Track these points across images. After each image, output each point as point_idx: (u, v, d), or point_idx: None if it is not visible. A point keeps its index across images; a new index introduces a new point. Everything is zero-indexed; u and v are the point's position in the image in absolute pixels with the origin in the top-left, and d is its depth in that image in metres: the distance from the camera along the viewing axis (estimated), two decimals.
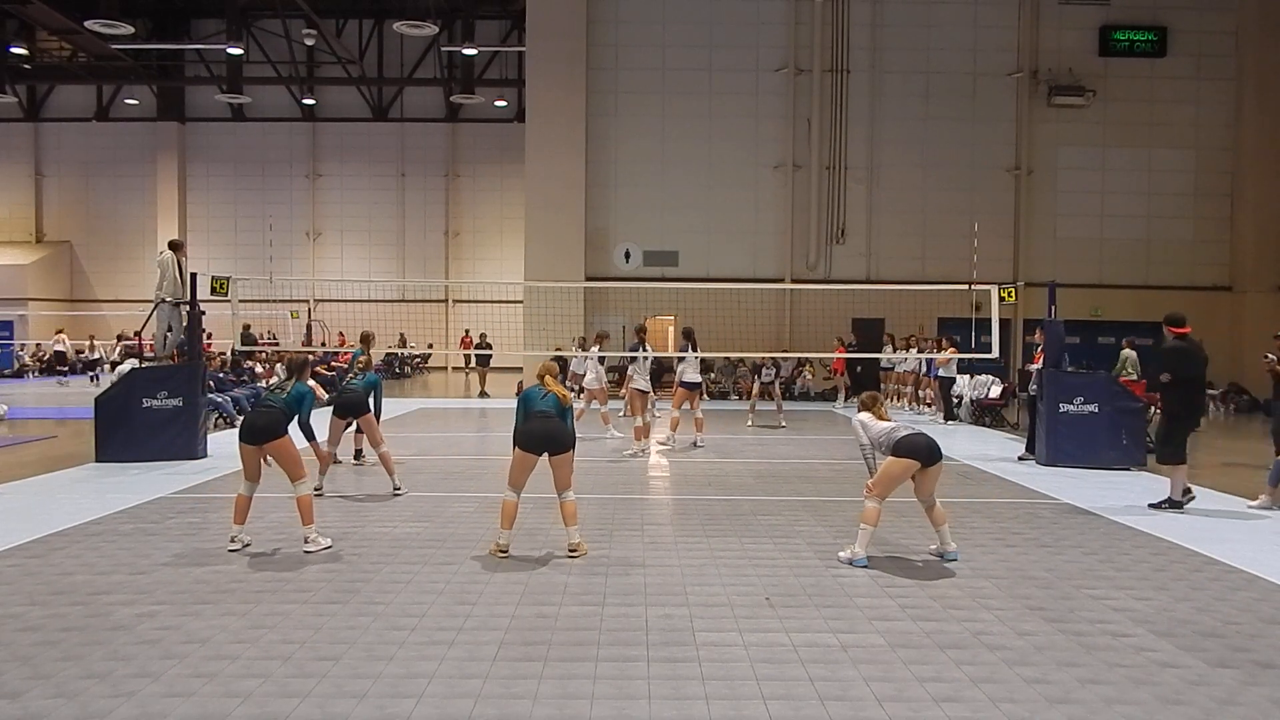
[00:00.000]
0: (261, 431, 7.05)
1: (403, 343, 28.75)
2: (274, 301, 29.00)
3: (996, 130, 24.06)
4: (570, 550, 6.91)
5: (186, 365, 12.29)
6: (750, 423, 16.70)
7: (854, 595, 6.04)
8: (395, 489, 9.49)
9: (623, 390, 13.23)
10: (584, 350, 14.80)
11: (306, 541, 7.07)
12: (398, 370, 30.73)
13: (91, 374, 27.98)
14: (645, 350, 13.00)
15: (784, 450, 13.36)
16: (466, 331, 30.73)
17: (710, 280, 22.78)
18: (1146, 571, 6.69)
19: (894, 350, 20.80)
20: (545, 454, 6.92)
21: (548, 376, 7.18)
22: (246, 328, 27.14)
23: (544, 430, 6.90)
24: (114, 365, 23.44)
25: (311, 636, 5.15)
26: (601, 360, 14.66)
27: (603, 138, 23.88)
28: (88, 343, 31.34)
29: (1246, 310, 23.17)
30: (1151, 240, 24.15)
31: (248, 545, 7.13)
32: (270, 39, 33.03)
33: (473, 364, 29.86)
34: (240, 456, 7.18)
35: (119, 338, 30.73)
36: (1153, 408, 14.29)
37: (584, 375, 14.98)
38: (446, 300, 34.81)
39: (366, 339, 11.21)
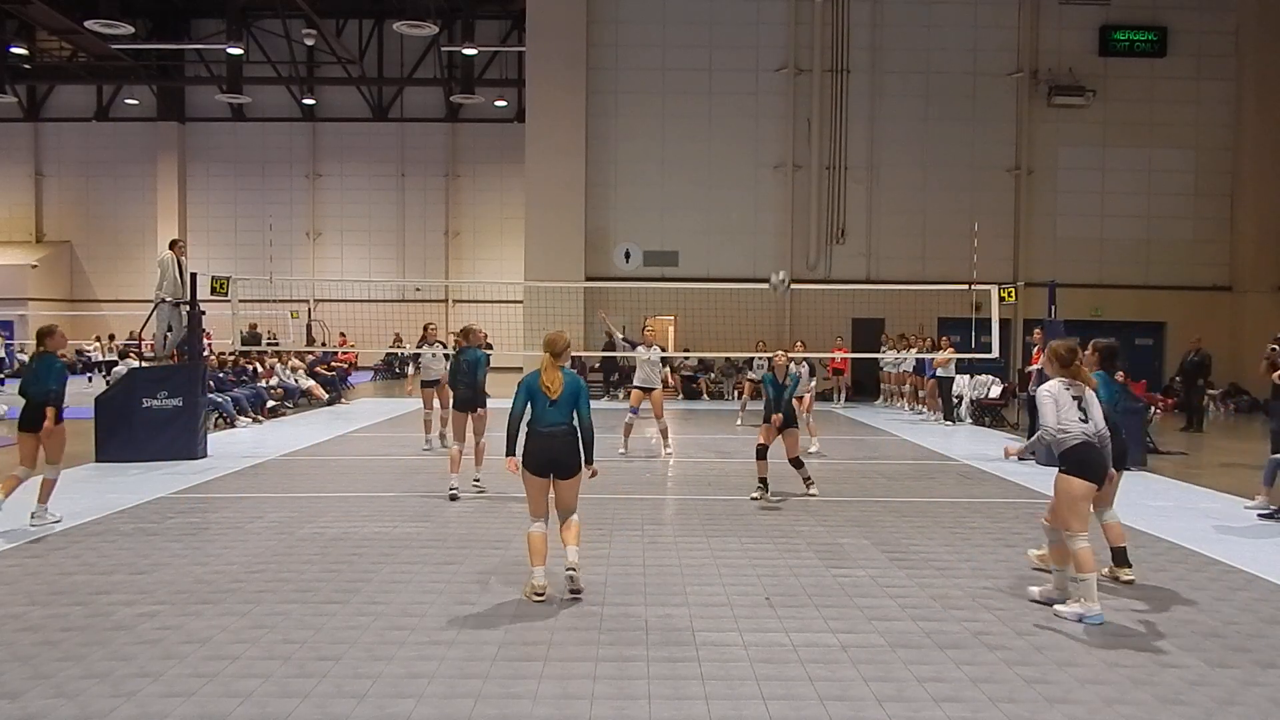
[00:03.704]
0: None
1: (398, 341, 28.68)
2: (274, 301, 28.98)
3: (996, 130, 24.05)
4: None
5: (186, 365, 12.30)
6: (740, 422, 16.57)
7: (854, 595, 6.04)
8: (475, 480, 9.57)
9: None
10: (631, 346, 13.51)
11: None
12: (397, 370, 30.73)
13: (89, 375, 27.97)
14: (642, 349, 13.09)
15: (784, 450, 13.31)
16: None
17: (710, 280, 22.78)
18: (1146, 571, 6.69)
19: (890, 350, 20.79)
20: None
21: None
22: (253, 327, 27.20)
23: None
24: (110, 366, 23.46)
25: (312, 636, 5.15)
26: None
27: (603, 138, 23.88)
28: (95, 344, 31.22)
29: (1246, 310, 23.17)
30: (1151, 240, 24.14)
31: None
32: (270, 39, 33.02)
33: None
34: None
35: (100, 339, 30.79)
36: (1153, 408, 14.34)
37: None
38: (446, 300, 34.80)
39: (465, 333, 10.10)
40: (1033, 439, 5.95)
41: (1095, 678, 4.67)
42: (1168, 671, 4.76)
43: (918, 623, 5.49)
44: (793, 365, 13.54)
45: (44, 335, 8.21)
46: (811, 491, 9.57)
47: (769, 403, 9.69)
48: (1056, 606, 5.66)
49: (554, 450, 5.88)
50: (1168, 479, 11.07)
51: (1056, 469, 5.74)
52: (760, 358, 16.65)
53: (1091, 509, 5.87)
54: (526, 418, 6.03)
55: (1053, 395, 5.73)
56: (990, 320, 14.47)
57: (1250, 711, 4.31)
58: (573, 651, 4.95)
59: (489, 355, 10.07)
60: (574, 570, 5.86)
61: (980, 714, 4.24)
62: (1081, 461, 5.61)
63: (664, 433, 12.74)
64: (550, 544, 5.96)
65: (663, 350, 13.50)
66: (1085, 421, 5.68)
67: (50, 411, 7.75)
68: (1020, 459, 6.05)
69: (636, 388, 13.06)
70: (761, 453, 9.48)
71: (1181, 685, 4.58)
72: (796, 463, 9.71)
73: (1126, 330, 24.09)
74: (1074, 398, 5.73)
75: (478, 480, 9.55)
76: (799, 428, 10.05)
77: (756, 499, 9.26)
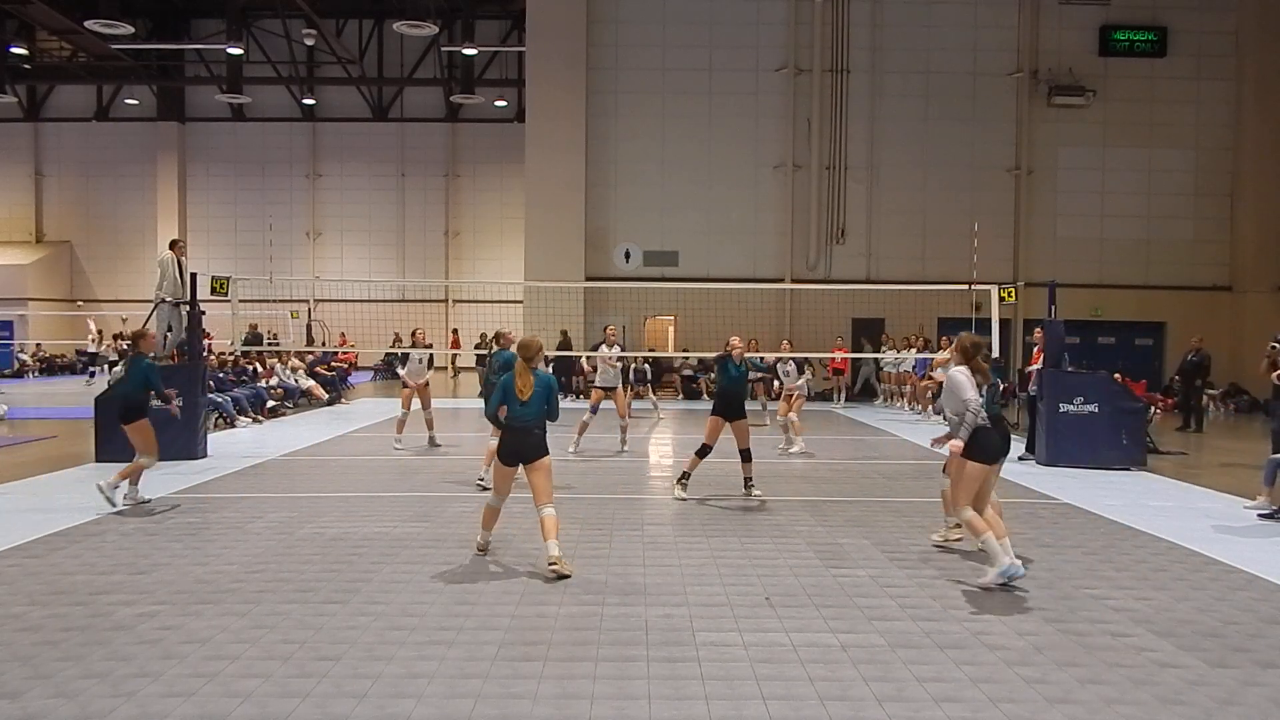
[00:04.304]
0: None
1: (397, 341, 28.71)
2: (274, 301, 29.00)
3: (996, 130, 24.05)
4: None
5: (186, 365, 12.29)
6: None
7: (854, 595, 6.04)
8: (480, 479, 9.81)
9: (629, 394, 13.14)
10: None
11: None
12: (397, 372, 30.71)
13: (91, 371, 27.95)
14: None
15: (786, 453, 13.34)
16: (455, 331, 30.71)
17: (710, 280, 22.78)
18: (1146, 571, 6.69)
19: (889, 351, 20.81)
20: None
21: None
22: (253, 327, 27.19)
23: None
24: (111, 365, 23.43)
25: (312, 636, 5.15)
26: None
27: (603, 138, 23.88)
28: (93, 335, 31.12)
29: (1246, 310, 23.17)
30: (1151, 240, 24.14)
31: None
32: (270, 39, 33.04)
33: (453, 365, 30.00)
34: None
35: (101, 330, 30.80)
36: (1153, 408, 14.34)
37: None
38: (446, 300, 34.82)
39: (498, 336, 10.27)
40: (958, 424, 6.25)
41: (1095, 678, 4.66)
42: (1168, 671, 4.76)
43: (918, 623, 5.49)
44: (779, 364, 13.78)
45: (137, 339, 9.03)
46: (754, 493, 9.43)
47: (720, 390, 9.52)
48: (980, 580, 6.11)
49: (521, 443, 6.58)
50: (1168, 479, 11.07)
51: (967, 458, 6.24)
52: (752, 357, 16.60)
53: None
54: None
55: (967, 376, 6.30)
56: (990, 320, 14.47)
57: (1250, 711, 4.31)
58: (573, 651, 4.95)
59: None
60: (556, 564, 6.38)
61: (980, 714, 4.24)
62: (981, 445, 6.16)
63: (623, 430, 12.96)
64: (536, 534, 6.20)
65: (622, 349, 13.68)
66: (984, 409, 6.27)
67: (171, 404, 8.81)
68: (955, 442, 6.32)
69: (598, 387, 13.12)
70: (704, 452, 9.36)
71: (1181, 685, 4.58)
72: (746, 455, 9.50)
73: (1126, 330, 24.18)
74: (977, 385, 6.31)
75: (482, 479, 9.66)
76: (747, 418, 9.60)
77: (683, 498, 9.22)
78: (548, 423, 6.68)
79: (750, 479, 9.56)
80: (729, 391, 9.50)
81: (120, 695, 4.32)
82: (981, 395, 6.30)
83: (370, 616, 5.49)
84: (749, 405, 17.02)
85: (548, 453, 6.64)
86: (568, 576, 6.34)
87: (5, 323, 33.80)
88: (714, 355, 10.03)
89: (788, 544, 7.44)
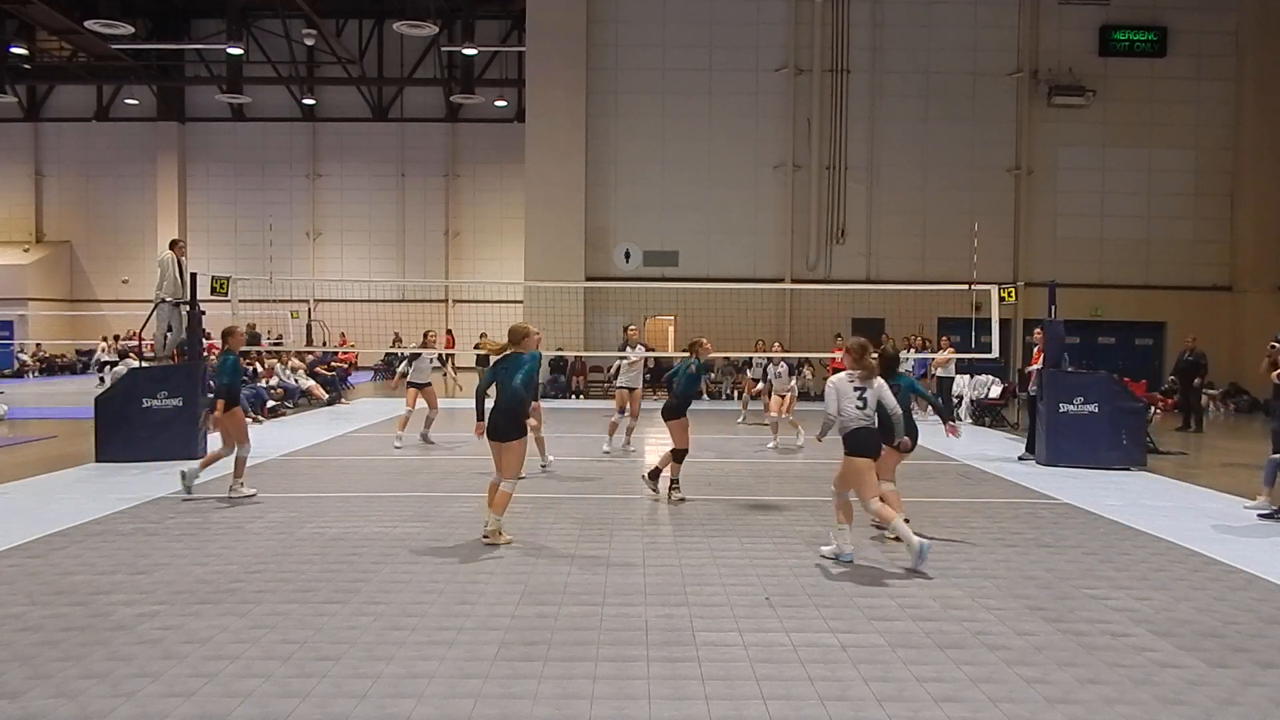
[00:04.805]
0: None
1: (398, 341, 28.70)
2: (274, 301, 28.99)
3: (996, 130, 24.06)
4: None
5: (186, 365, 12.29)
6: (741, 420, 16.74)
7: (854, 595, 6.04)
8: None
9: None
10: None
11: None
12: (396, 370, 30.66)
13: (100, 379, 28.00)
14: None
15: (783, 450, 13.35)
16: (450, 332, 30.70)
17: (710, 280, 22.79)
18: (1146, 571, 6.69)
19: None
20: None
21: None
22: (251, 326, 27.17)
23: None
24: (111, 365, 23.44)
25: (312, 636, 5.14)
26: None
27: (603, 138, 23.88)
28: (101, 344, 31.21)
29: (1246, 310, 23.18)
30: (1151, 240, 24.15)
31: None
32: (270, 39, 33.05)
33: (452, 365, 29.98)
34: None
35: (106, 339, 30.88)
36: (1153, 408, 14.34)
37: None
38: (446, 300, 34.82)
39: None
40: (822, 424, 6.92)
41: (1095, 678, 4.66)
42: (1168, 671, 4.75)
43: (918, 623, 5.49)
44: (770, 365, 14.08)
45: (225, 336, 9.45)
46: (676, 495, 9.15)
47: (682, 391, 9.37)
48: (821, 548, 6.92)
49: (495, 419, 7.19)
50: (1168, 479, 11.07)
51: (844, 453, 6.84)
52: (759, 358, 16.67)
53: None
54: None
55: (835, 388, 6.82)
56: (990, 320, 14.48)
57: (1250, 711, 4.31)
58: (573, 651, 4.95)
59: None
60: (487, 535, 7.20)
61: (980, 714, 4.24)
62: (859, 443, 6.73)
63: (629, 431, 13.06)
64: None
65: (648, 350, 13.90)
66: (863, 408, 6.74)
67: (220, 403, 8.96)
68: (819, 440, 7.06)
69: (621, 388, 13.13)
70: (681, 455, 9.25)
71: (1181, 685, 4.58)
72: (682, 455, 9.29)
73: (1126, 330, 24.19)
74: (856, 389, 6.78)
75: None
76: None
77: (682, 499, 9.14)
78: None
79: (677, 480, 9.27)
80: (689, 393, 9.44)
81: (120, 695, 4.32)
82: (863, 396, 6.75)
83: (370, 616, 5.49)
84: (734, 405, 17.32)
85: (517, 437, 7.15)
86: (498, 545, 7.16)
87: (5, 323, 33.82)
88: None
89: (788, 544, 7.44)
